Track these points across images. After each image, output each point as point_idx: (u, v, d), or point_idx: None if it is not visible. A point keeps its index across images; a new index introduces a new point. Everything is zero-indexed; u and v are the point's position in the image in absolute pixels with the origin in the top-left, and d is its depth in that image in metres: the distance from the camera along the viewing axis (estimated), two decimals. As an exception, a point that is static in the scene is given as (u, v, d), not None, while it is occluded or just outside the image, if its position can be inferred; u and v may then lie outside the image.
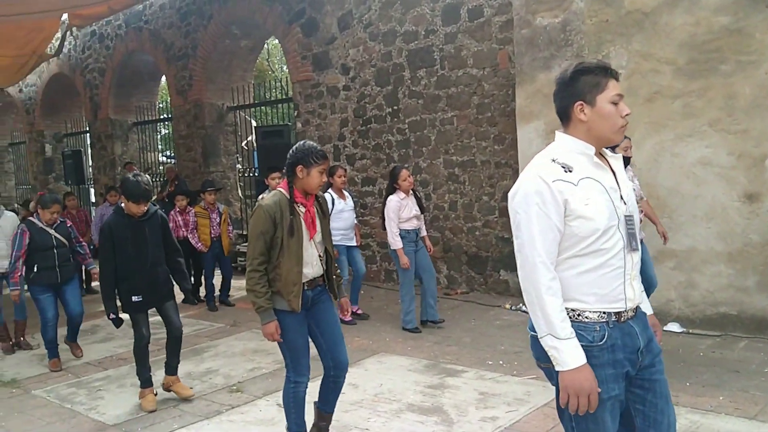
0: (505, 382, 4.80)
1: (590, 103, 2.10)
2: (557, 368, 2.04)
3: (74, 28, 12.80)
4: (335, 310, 3.72)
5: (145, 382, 4.79)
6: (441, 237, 8.08)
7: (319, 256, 3.55)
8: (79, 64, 14.00)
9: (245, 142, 11.75)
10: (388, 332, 6.37)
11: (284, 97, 11.18)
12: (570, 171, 2.07)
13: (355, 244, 6.99)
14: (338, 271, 3.77)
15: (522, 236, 2.09)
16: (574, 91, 2.12)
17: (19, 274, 5.84)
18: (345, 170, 7.08)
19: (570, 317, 2.07)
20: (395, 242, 6.25)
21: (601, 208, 2.05)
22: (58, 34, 12.44)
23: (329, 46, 9.05)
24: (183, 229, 8.05)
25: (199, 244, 7.95)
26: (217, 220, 8.06)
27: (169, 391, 4.89)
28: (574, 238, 2.06)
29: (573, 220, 2.05)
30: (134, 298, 4.64)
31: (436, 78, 7.95)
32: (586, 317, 2.08)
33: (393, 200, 6.26)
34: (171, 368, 4.91)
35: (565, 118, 2.17)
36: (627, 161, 5.38)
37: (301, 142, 3.54)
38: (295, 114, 9.80)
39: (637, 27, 5.97)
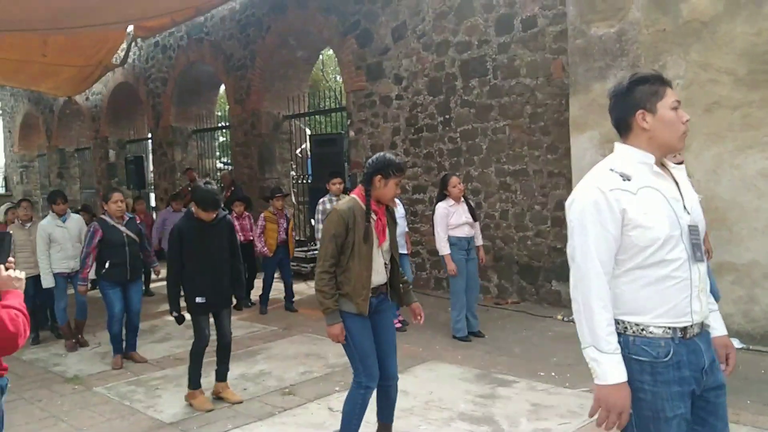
0: (557, 394, 4.78)
1: (651, 110, 2.10)
2: (595, 381, 2.03)
3: (139, 39, 13.31)
4: (392, 320, 3.80)
5: (195, 383, 4.92)
6: (492, 246, 8.08)
7: (385, 263, 3.64)
8: (143, 73, 14.50)
9: (299, 149, 11.97)
10: (438, 340, 6.41)
11: (338, 106, 11.36)
12: (628, 180, 2.06)
13: (405, 251, 7.06)
14: (404, 277, 3.84)
15: (576, 244, 2.09)
16: (633, 101, 2.12)
17: (88, 270, 6.03)
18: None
19: (633, 332, 2.04)
20: (443, 248, 6.29)
21: (662, 218, 2.02)
22: (124, 45, 12.95)
23: (383, 57, 9.17)
24: (239, 234, 8.24)
25: (265, 248, 8.13)
26: (284, 225, 8.20)
27: (219, 398, 4.99)
28: (634, 249, 2.03)
29: (632, 230, 2.02)
30: (198, 300, 4.80)
31: (488, 87, 7.97)
32: (650, 332, 2.03)
33: (441, 206, 6.32)
34: (221, 375, 5.04)
35: (624, 128, 2.17)
36: (683, 172, 5.31)
37: (381, 154, 3.61)
38: (348, 123, 9.95)
39: (695, 36, 5.88)
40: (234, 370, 5.63)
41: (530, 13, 7.47)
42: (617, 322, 2.07)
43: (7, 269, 2.45)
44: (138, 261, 6.18)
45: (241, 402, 4.93)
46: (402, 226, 6.96)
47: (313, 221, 8.08)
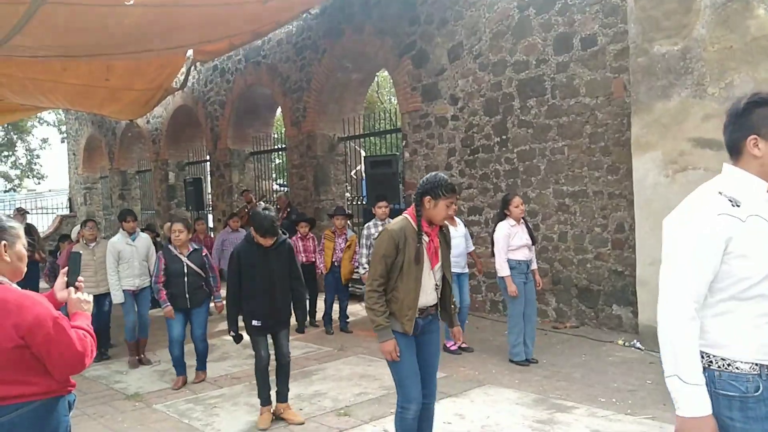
0: (618, 421, 4.61)
1: (765, 137, 1.98)
2: (678, 412, 1.93)
3: (198, 63, 13.64)
4: (438, 342, 3.75)
5: (264, 400, 4.99)
6: (550, 268, 7.91)
7: (435, 285, 3.60)
8: (202, 96, 14.87)
9: (354, 171, 12.04)
10: (494, 364, 6.28)
11: (392, 127, 11.39)
12: (738, 206, 1.95)
13: (465, 271, 6.96)
14: (455, 299, 3.80)
15: (671, 268, 1.99)
16: (747, 124, 2.00)
17: (164, 293, 6.04)
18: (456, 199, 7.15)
19: (719, 366, 1.95)
20: (503, 269, 6.17)
21: (767, 250, 1.91)
22: (183, 69, 13.29)
23: (438, 77, 9.17)
24: (302, 254, 8.33)
25: (321, 265, 8.18)
26: (342, 245, 8.20)
27: (280, 418, 5.00)
28: (732, 278, 1.93)
29: (733, 259, 1.92)
30: (254, 323, 4.89)
31: (546, 107, 7.87)
32: (736, 368, 1.94)
33: (503, 226, 6.21)
34: (281, 395, 5.06)
35: (735, 151, 2.06)
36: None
37: (432, 174, 3.58)
38: (403, 144, 9.95)
39: (764, 54, 5.68)
40: (290, 390, 5.63)
41: (590, 32, 7.36)
42: (701, 354, 1.97)
43: (77, 289, 2.51)
44: (199, 290, 6.13)
45: (302, 423, 4.92)
46: (462, 245, 6.88)
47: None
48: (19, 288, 2.36)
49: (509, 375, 5.88)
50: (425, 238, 3.51)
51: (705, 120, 6.02)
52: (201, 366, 6.33)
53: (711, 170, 5.93)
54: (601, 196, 7.42)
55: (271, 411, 5.01)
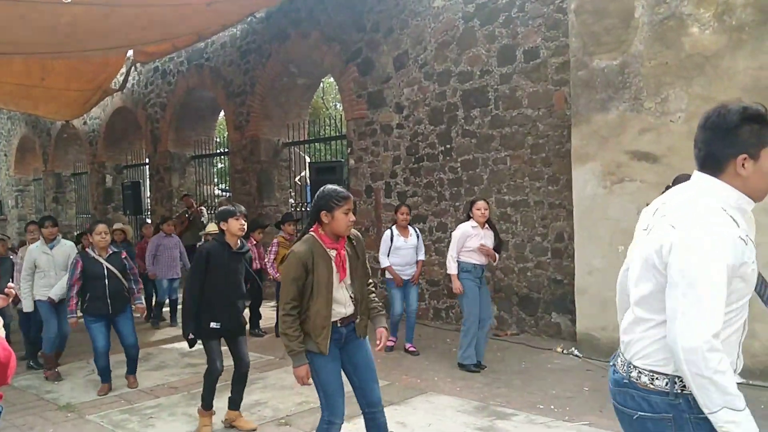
0: (556, 428, 4.69)
1: (754, 157, 1.88)
2: None
3: (138, 64, 13.33)
4: (368, 347, 3.68)
5: (207, 405, 4.87)
6: (492, 277, 8.00)
7: (351, 296, 3.57)
8: (142, 98, 14.52)
9: (298, 177, 11.94)
10: (436, 371, 6.30)
11: (337, 134, 11.36)
12: (738, 226, 1.87)
13: (411, 279, 7.03)
14: (374, 304, 3.74)
15: (695, 299, 1.81)
16: (738, 141, 1.88)
17: (74, 302, 5.85)
18: (408, 208, 7.24)
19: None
20: (451, 267, 6.27)
21: (755, 272, 1.89)
22: (123, 70, 12.97)
23: (384, 85, 9.19)
24: (256, 261, 8.23)
25: (278, 274, 8.06)
26: None
27: (231, 426, 4.91)
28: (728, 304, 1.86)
29: (737, 283, 1.86)
30: (213, 325, 4.73)
31: (490, 118, 7.98)
32: None
33: (462, 226, 6.33)
34: (235, 403, 4.96)
35: (715, 166, 1.94)
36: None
37: (322, 188, 3.54)
38: (349, 151, 9.93)
39: (698, 70, 5.90)
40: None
41: (532, 44, 7.51)
42: (676, 379, 1.93)
43: (7, 296, 2.38)
44: (120, 295, 5.96)
45: (255, 429, 4.86)
46: (410, 255, 6.99)
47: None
48: None
49: (451, 382, 5.91)
50: (331, 252, 3.46)
51: (642, 133, 6.21)
52: (132, 370, 6.16)
53: (647, 182, 6.12)
54: (541, 206, 7.56)
55: (223, 419, 4.95)
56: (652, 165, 6.15)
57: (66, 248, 6.74)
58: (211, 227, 8.53)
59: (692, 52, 5.94)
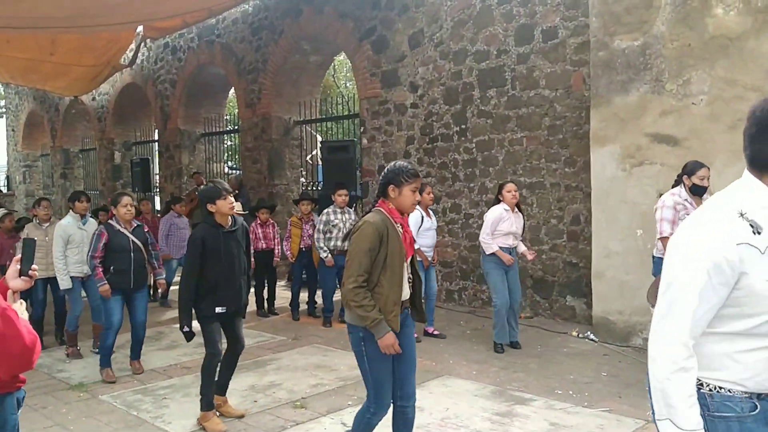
0: (576, 414, 4.65)
1: None
2: None
3: (148, 40, 13.21)
4: (414, 337, 3.60)
5: (208, 405, 4.65)
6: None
7: (409, 278, 3.48)
8: (151, 75, 14.41)
9: (309, 156, 11.86)
10: (451, 354, 6.27)
11: (349, 112, 11.25)
12: (759, 233, 1.68)
13: (432, 262, 6.98)
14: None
15: (668, 301, 1.76)
16: None
17: (101, 270, 5.72)
18: (431, 188, 7.11)
19: (712, 387, 1.79)
20: (489, 246, 6.23)
21: None
22: (133, 45, 12.85)
23: (398, 64, 9.06)
24: (262, 241, 8.17)
25: (288, 252, 8.03)
26: (309, 231, 8.03)
27: (219, 412, 4.74)
28: (741, 314, 1.73)
29: (745, 297, 1.70)
30: (218, 309, 4.56)
31: (506, 98, 7.86)
32: (728, 390, 1.78)
33: (496, 209, 6.28)
34: (222, 388, 4.81)
35: (762, 166, 1.75)
36: (703, 191, 5.21)
37: (393, 163, 3.48)
38: (362, 130, 9.83)
39: (721, 52, 5.78)
40: (244, 381, 5.51)
41: (551, 24, 7.37)
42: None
43: (30, 278, 2.32)
44: (143, 269, 5.92)
45: (242, 416, 4.75)
46: (434, 236, 6.86)
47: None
48: None
49: (467, 366, 5.88)
50: (399, 228, 3.38)
51: (663, 116, 6.10)
52: (137, 355, 6.07)
53: (667, 165, 6.03)
54: (557, 188, 7.47)
55: (216, 412, 4.73)
56: (672, 148, 6.05)
57: (93, 224, 6.69)
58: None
59: (716, 34, 5.82)
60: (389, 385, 3.42)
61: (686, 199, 5.22)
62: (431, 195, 6.91)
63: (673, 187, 5.44)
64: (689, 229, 1.80)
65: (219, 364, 4.70)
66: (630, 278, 6.27)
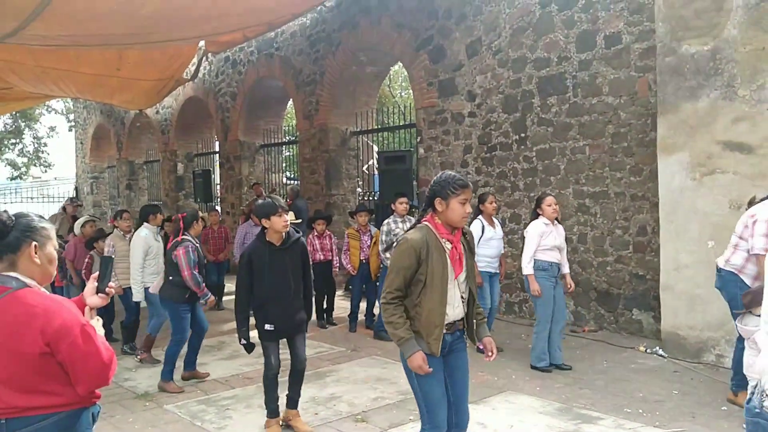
0: (647, 434, 4.47)
1: None
2: None
3: (210, 54, 13.47)
4: (467, 360, 3.44)
5: (272, 412, 4.73)
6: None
7: (462, 296, 3.30)
8: (213, 88, 14.71)
9: (366, 166, 11.88)
10: (513, 368, 6.13)
11: (405, 122, 11.22)
12: None
13: (497, 271, 6.84)
14: (480, 309, 3.51)
15: None
16: None
17: (204, 285, 5.96)
18: (495, 197, 6.94)
19: None
20: (527, 266, 6.01)
21: None
22: (195, 60, 13.13)
23: (456, 73, 8.99)
24: (319, 253, 8.20)
25: (349, 265, 8.02)
26: (368, 242, 8.02)
27: (288, 425, 4.79)
28: None
29: None
30: (266, 327, 4.59)
31: (567, 105, 7.70)
32: None
33: (537, 224, 6.06)
34: (292, 402, 4.83)
35: None
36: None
37: (440, 173, 3.32)
38: (418, 140, 9.78)
39: (798, 55, 5.52)
40: (305, 392, 5.45)
41: (614, 30, 7.18)
42: None
43: (107, 295, 2.38)
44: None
45: None
46: (499, 246, 6.75)
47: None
48: (47, 292, 2.24)
49: (530, 381, 5.74)
50: (447, 245, 3.23)
51: (735, 122, 5.85)
52: (194, 365, 6.20)
53: (740, 174, 5.78)
54: (623, 198, 7.25)
55: (280, 421, 4.79)
56: (746, 156, 5.79)
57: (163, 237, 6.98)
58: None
59: (793, 36, 5.56)
60: (443, 404, 3.26)
61: None
62: (494, 204, 6.75)
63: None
64: None
65: (276, 377, 4.70)
66: (701, 292, 6.01)
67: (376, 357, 6.77)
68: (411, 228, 3.33)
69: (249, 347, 4.63)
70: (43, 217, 2.33)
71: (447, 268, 3.21)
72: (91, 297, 2.39)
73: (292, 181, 15.49)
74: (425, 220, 3.32)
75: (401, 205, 7.27)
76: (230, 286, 11.89)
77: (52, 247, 2.27)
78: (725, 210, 5.88)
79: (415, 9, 9.46)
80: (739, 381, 4.69)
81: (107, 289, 2.38)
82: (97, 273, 2.40)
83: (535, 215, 6.14)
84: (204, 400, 5.57)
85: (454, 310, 3.26)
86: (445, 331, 3.23)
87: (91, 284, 2.41)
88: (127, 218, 7.23)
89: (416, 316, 3.20)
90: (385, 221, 7.36)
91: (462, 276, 3.29)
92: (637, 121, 7.08)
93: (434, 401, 3.24)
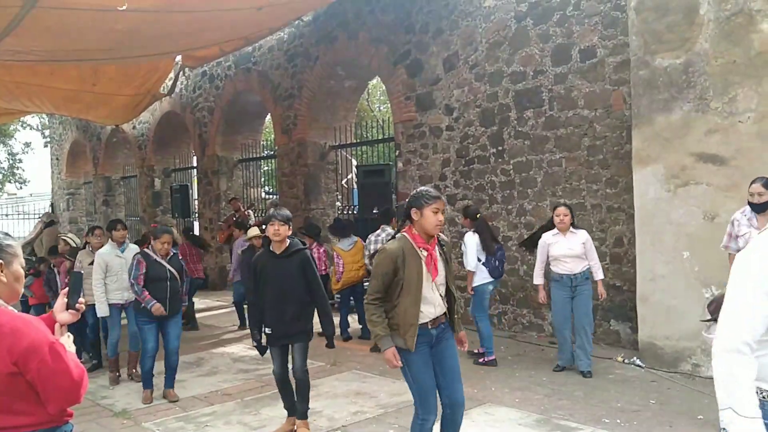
0: (625, 444, 4.49)
1: None
2: None
3: (186, 69, 13.44)
4: (456, 348, 3.82)
5: (287, 411, 5.04)
6: (546, 283, 7.77)
7: (441, 296, 3.69)
8: (190, 102, 14.65)
9: (345, 180, 11.88)
10: (492, 381, 6.14)
11: (383, 136, 11.25)
12: None
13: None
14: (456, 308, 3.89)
15: (737, 302, 1.91)
16: None
17: (147, 293, 5.82)
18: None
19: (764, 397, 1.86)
20: (535, 277, 6.44)
21: None
22: (171, 74, 13.07)
23: (433, 87, 9.05)
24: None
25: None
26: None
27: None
28: None
29: None
30: (266, 330, 4.83)
31: (544, 119, 7.77)
32: None
33: (546, 235, 6.33)
34: (293, 410, 4.97)
35: None
36: (764, 208, 5.04)
37: (416, 189, 3.77)
38: (397, 153, 9.81)
39: (768, 68, 5.62)
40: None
41: (589, 44, 7.28)
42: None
43: (77, 311, 2.35)
44: (178, 297, 6.04)
45: None
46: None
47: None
48: (15, 311, 2.20)
49: (509, 393, 5.74)
50: (423, 252, 3.61)
51: (708, 134, 5.95)
52: (171, 384, 6.08)
53: (714, 185, 5.86)
54: (599, 210, 7.32)
55: (293, 423, 4.95)
56: (719, 167, 5.88)
57: (134, 249, 6.79)
58: (252, 231, 8.55)
59: (762, 50, 5.67)
60: (433, 391, 3.67)
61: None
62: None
63: None
64: (762, 242, 1.92)
65: (281, 382, 4.93)
66: (677, 302, 6.08)
67: (356, 371, 6.73)
68: (391, 239, 3.79)
69: (261, 349, 4.92)
70: (9, 235, 2.30)
71: (422, 274, 3.60)
72: (61, 313, 2.37)
73: (271, 196, 15.44)
74: (403, 232, 3.72)
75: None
76: (206, 303, 11.83)
77: (18, 265, 2.25)
78: (699, 221, 5.95)
79: (393, 23, 9.52)
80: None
81: (77, 305, 2.35)
82: (67, 289, 2.38)
83: (551, 226, 6.33)
84: (182, 417, 5.49)
85: (435, 309, 3.69)
86: (430, 326, 3.66)
87: (61, 300, 2.38)
88: (99, 234, 7.12)
89: (395, 315, 3.63)
90: (375, 232, 7.76)
91: (439, 279, 3.69)
92: (612, 134, 7.16)
93: (425, 389, 3.65)
